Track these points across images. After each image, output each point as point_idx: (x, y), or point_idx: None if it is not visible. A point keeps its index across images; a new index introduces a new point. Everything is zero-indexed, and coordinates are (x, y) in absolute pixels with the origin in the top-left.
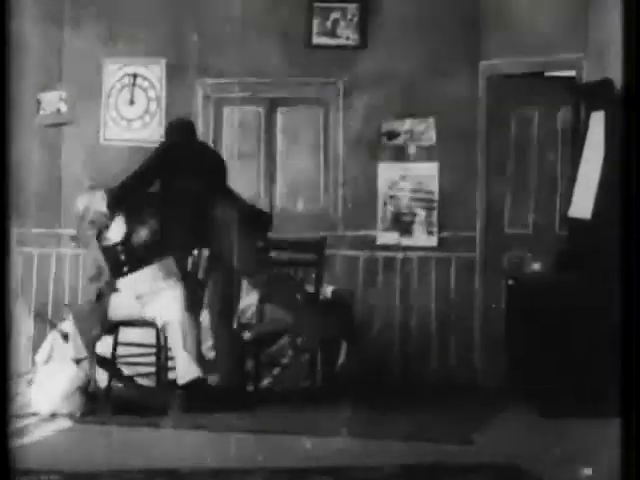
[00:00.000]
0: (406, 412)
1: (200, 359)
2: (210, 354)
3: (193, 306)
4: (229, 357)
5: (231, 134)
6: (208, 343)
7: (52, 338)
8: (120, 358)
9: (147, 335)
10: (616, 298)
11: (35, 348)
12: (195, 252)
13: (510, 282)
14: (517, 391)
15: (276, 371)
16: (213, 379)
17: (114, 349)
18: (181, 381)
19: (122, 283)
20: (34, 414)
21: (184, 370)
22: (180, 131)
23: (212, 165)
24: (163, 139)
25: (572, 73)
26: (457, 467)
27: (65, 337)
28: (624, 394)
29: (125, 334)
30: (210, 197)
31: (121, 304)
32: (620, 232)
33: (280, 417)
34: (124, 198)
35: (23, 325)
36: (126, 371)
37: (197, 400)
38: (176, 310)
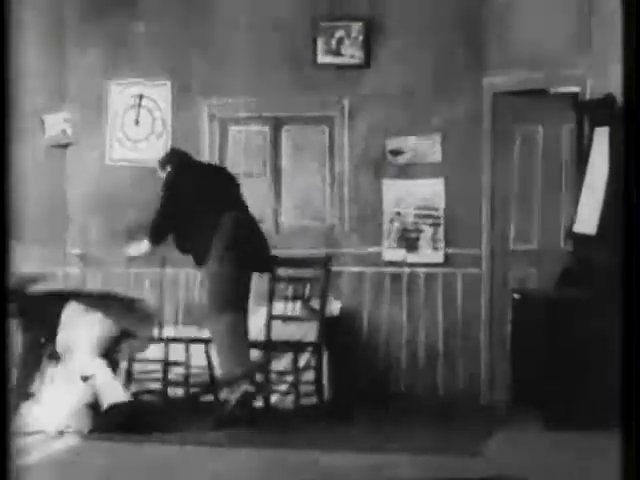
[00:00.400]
0: (413, 426)
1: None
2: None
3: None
4: (240, 374)
5: (237, 153)
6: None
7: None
8: (135, 374)
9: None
10: (619, 313)
11: (45, 365)
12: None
13: (516, 297)
14: (523, 404)
15: (283, 387)
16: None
17: (129, 365)
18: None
19: None
20: (41, 432)
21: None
22: (180, 159)
23: (225, 182)
24: (165, 170)
25: (576, 89)
26: None
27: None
28: (624, 406)
29: None
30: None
31: None
32: (624, 247)
33: (287, 433)
34: (160, 236)
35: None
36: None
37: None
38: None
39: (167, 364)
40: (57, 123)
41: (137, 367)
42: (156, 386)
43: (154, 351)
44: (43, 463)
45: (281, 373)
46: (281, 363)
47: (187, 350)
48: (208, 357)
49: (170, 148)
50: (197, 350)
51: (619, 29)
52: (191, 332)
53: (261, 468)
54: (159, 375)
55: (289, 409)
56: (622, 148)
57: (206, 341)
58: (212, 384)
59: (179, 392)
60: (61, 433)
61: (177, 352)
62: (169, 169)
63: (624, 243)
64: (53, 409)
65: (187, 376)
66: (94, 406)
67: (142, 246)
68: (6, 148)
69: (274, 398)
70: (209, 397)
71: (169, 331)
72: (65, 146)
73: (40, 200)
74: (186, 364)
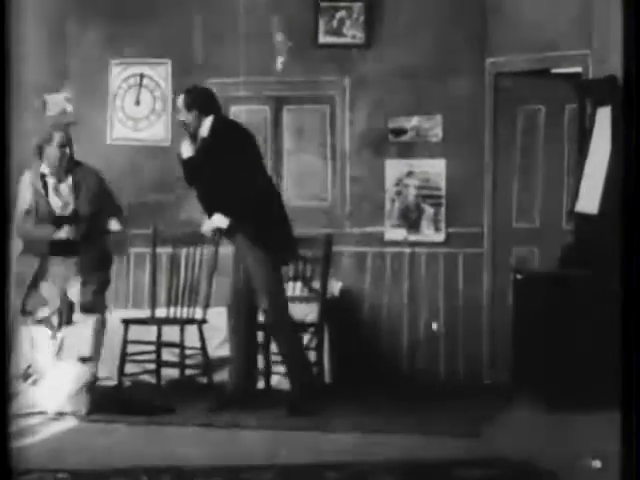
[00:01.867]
0: (414, 407)
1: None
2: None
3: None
4: (245, 357)
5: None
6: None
7: (59, 336)
8: (129, 356)
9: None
10: (621, 292)
11: (42, 346)
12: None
13: (517, 277)
14: (525, 385)
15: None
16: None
17: (124, 346)
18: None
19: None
20: (40, 413)
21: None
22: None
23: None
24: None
25: (578, 69)
26: (469, 461)
27: (84, 361)
28: (624, 387)
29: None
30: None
31: None
32: (625, 227)
33: (285, 414)
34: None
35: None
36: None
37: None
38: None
39: (160, 345)
40: (58, 103)
41: (131, 348)
42: (150, 367)
43: (148, 332)
44: (42, 444)
45: (278, 353)
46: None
47: (182, 331)
48: (202, 338)
49: (194, 86)
50: (191, 331)
51: (620, 9)
52: (185, 313)
53: (261, 449)
54: (153, 357)
55: (289, 390)
56: (624, 128)
57: (200, 322)
58: (207, 365)
59: (174, 374)
60: (60, 415)
61: (171, 334)
62: (199, 112)
63: (625, 222)
64: (52, 391)
65: (182, 357)
66: (92, 388)
67: (220, 220)
68: (7, 127)
69: (274, 379)
70: (203, 379)
71: (162, 312)
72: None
73: None
74: (181, 345)
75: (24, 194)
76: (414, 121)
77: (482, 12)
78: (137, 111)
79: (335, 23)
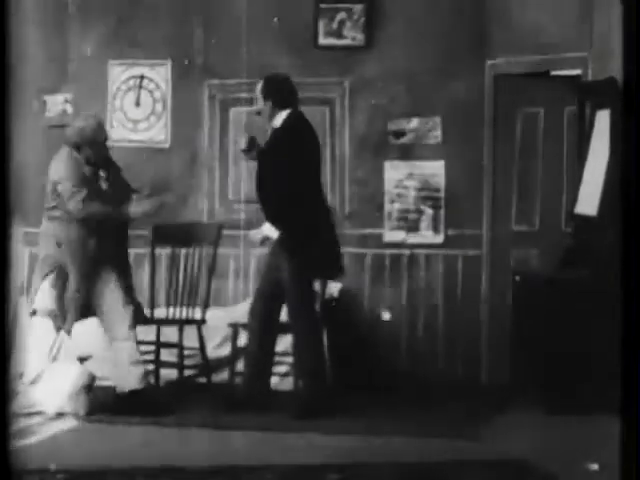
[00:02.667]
0: (413, 409)
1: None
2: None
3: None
4: (262, 359)
5: (237, 134)
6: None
7: (58, 337)
8: None
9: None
10: (621, 294)
11: (41, 347)
12: None
13: (517, 279)
14: (523, 387)
15: (283, 369)
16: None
17: None
18: (119, 389)
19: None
20: (39, 413)
21: (126, 378)
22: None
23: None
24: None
25: (577, 72)
26: (468, 463)
27: (83, 361)
28: (624, 391)
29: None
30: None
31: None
32: (625, 229)
33: (287, 415)
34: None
35: (28, 323)
36: None
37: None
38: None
39: (159, 346)
40: (58, 104)
41: None
42: (149, 368)
43: (146, 333)
44: (41, 445)
45: (281, 354)
46: (281, 344)
47: (181, 332)
48: (201, 339)
49: (274, 74)
50: (190, 332)
51: (620, 12)
52: (184, 313)
53: (259, 450)
54: (151, 357)
55: (288, 391)
56: (623, 130)
57: (199, 323)
58: (205, 366)
59: (173, 374)
60: (59, 415)
61: (169, 334)
62: (274, 103)
63: (625, 225)
64: (51, 391)
65: (181, 358)
66: (91, 388)
67: (270, 230)
68: (7, 128)
69: (273, 380)
70: (202, 379)
71: (161, 312)
72: (65, 127)
73: (39, 181)
74: (180, 346)
75: (69, 174)
76: (414, 123)
77: (482, 14)
78: (137, 112)
79: (335, 25)
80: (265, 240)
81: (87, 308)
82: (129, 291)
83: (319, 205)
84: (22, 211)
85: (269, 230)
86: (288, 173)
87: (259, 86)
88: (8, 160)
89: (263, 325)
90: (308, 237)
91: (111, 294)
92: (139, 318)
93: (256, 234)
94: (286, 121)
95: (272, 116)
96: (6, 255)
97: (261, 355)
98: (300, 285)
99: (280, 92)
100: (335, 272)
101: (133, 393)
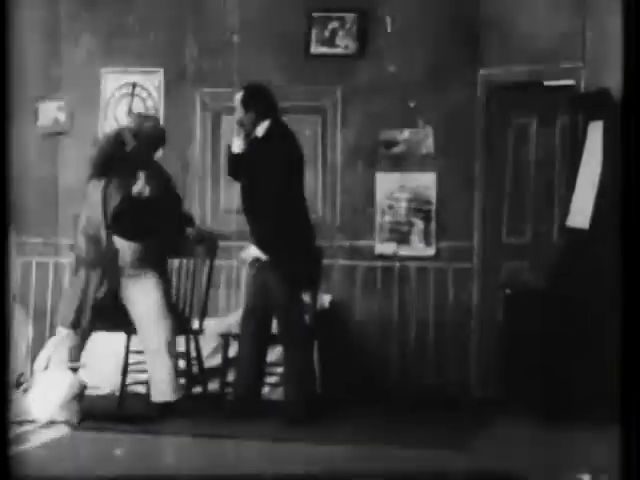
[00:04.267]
0: (403, 419)
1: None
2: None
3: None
4: (252, 369)
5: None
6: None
7: (50, 345)
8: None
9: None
10: (614, 306)
11: (33, 355)
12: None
13: (507, 291)
14: (515, 399)
15: (274, 379)
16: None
17: (126, 356)
18: (157, 399)
19: None
20: (32, 421)
21: (163, 389)
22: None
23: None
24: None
25: (571, 82)
26: (459, 474)
27: (75, 370)
28: (623, 402)
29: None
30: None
31: None
32: (618, 241)
33: (279, 424)
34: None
35: (21, 332)
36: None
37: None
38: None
39: None
40: (50, 111)
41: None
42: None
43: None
44: (33, 453)
45: (272, 365)
46: (272, 355)
47: (188, 341)
48: (197, 348)
49: (252, 84)
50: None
51: (614, 23)
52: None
53: (249, 459)
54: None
55: (279, 401)
56: (617, 142)
57: (196, 332)
58: (202, 375)
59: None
60: (52, 423)
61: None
62: (256, 113)
63: (617, 237)
64: (44, 399)
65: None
66: (82, 396)
67: (257, 252)
68: (5, 137)
69: (265, 390)
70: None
71: None
72: (58, 135)
73: (32, 189)
74: (187, 355)
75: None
76: (405, 133)
77: (475, 24)
78: (129, 120)
79: (327, 33)
80: (255, 262)
81: (117, 315)
82: (167, 300)
83: (302, 218)
84: (16, 221)
85: (257, 252)
86: (272, 185)
87: (238, 96)
88: (7, 170)
89: (254, 337)
90: (294, 254)
91: (146, 302)
92: (178, 328)
93: (246, 256)
94: (268, 131)
95: (254, 126)
96: (4, 264)
97: (252, 366)
98: (289, 299)
99: (262, 102)
100: (320, 282)
101: (166, 405)
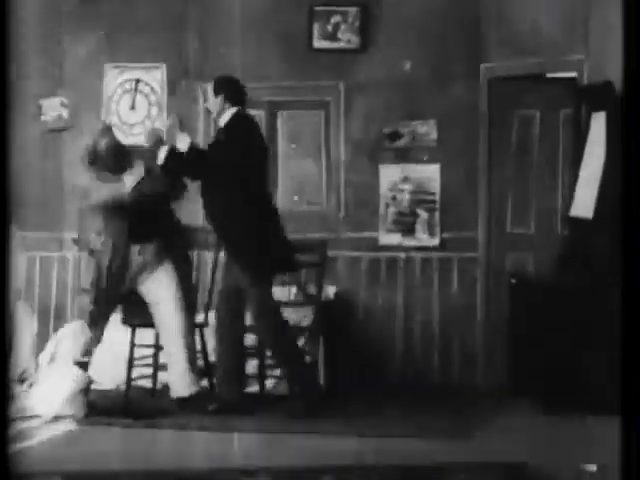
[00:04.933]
0: (409, 410)
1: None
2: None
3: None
4: (231, 363)
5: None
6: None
7: (55, 340)
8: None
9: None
10: (617, 296)
11: (38, 350)
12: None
13: (512, 281)
14: (520, 389)
15: (277, 373)
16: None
17: (131, 350)
18: (176, 394)
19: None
20: (37, 416)
21: (181, 384)
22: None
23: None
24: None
25: (573, 74)
26: (464, 465)
27: (82, 366)
28: (624, 392)
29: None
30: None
31: None
32: (621, 231)
33: (282, 418)
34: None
35: (26, 327)
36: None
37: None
38: (175, 320)
39: (158, 348)
40: (53, 108)
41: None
42: (148, 371)
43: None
44: (39, 448)
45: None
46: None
47: (202, 334)
48: (203, 342)
49: (224, 75)
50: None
51: (617, 15)
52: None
53: (256, 453)
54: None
55: (284, 394)
56: (619, 133)
57: (201, 326)
58: (207, 368)
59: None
60: (57, 418)
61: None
62: (224, 100)
63: (620, 227)
64: (49, 394)
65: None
66: (88, 391)
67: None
68: (6, 134)
69: (269, 383)
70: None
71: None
72: (61, 130)
73: (36, 184)
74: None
75: None
76: (409, 126)
77: (477, 17)
78: (132, 116)
79: (330, 27)
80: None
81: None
82: (186, 294)
83: (265, 207)
84: (20, 216)
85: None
86: (232, 175)
87: (209, 85)
88: (7, 165)
89: (230, 328)
90: (258, 245)
91: (166, 295)
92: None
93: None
94: (231, 121)
95: (221, 112)
96: (5, 259)
97: (230, 357)
98: (258, 289)
99: (231, 88)
100: (289, 268)
101: (184, 399)
